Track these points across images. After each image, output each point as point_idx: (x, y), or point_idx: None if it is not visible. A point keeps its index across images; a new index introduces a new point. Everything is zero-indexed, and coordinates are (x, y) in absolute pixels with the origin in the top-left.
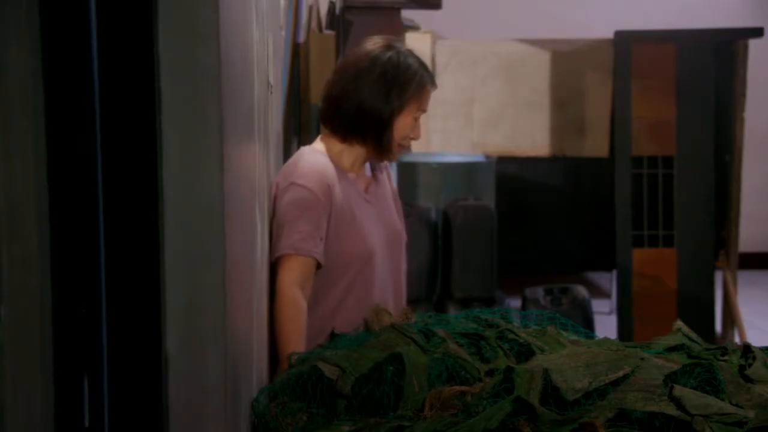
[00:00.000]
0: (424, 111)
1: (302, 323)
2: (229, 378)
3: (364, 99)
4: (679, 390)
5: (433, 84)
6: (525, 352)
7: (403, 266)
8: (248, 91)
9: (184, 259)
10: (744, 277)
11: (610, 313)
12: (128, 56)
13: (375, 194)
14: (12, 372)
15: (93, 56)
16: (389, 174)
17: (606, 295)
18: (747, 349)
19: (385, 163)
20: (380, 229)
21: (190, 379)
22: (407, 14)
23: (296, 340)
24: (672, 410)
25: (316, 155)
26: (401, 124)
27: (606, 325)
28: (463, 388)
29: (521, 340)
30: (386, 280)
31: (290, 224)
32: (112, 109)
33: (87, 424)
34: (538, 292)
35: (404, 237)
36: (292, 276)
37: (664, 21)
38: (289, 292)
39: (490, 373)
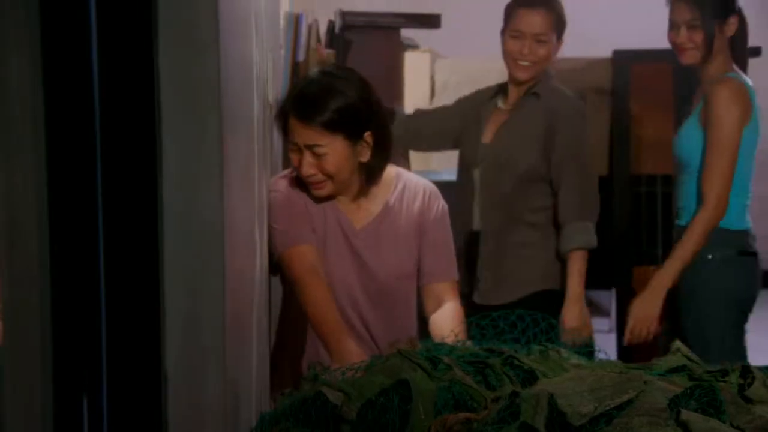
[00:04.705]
0: (292, 142)
1: (327, 298)
2: (228, 396)
3: None
4: (686, 414)
5: (294, 114)
6: (529, 379)
7: (397, 311)
8: (248, 104)
9: (183, 276)
10: None
11: (609, 332)
12: (128, 68)
13: (377, 229)
14: (11, 393)
15: (93, 69)
16: (427, 207)
17: (605, 313)
18: (745, 369)
19: (422, 193)
20: (355, 268)
21: (190, 397)
22: (407, 33)
23: (332, 317)
24: None
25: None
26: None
27: (605, 344)
28: (468, 415)
29: (525, 367)
30: (360, 327)
31: (273, 225)
32: (112, 121)
33: None
34: None
35: (401, 278)
36: (295, 266)
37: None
38: (301, 281)
39: (496, 400)
